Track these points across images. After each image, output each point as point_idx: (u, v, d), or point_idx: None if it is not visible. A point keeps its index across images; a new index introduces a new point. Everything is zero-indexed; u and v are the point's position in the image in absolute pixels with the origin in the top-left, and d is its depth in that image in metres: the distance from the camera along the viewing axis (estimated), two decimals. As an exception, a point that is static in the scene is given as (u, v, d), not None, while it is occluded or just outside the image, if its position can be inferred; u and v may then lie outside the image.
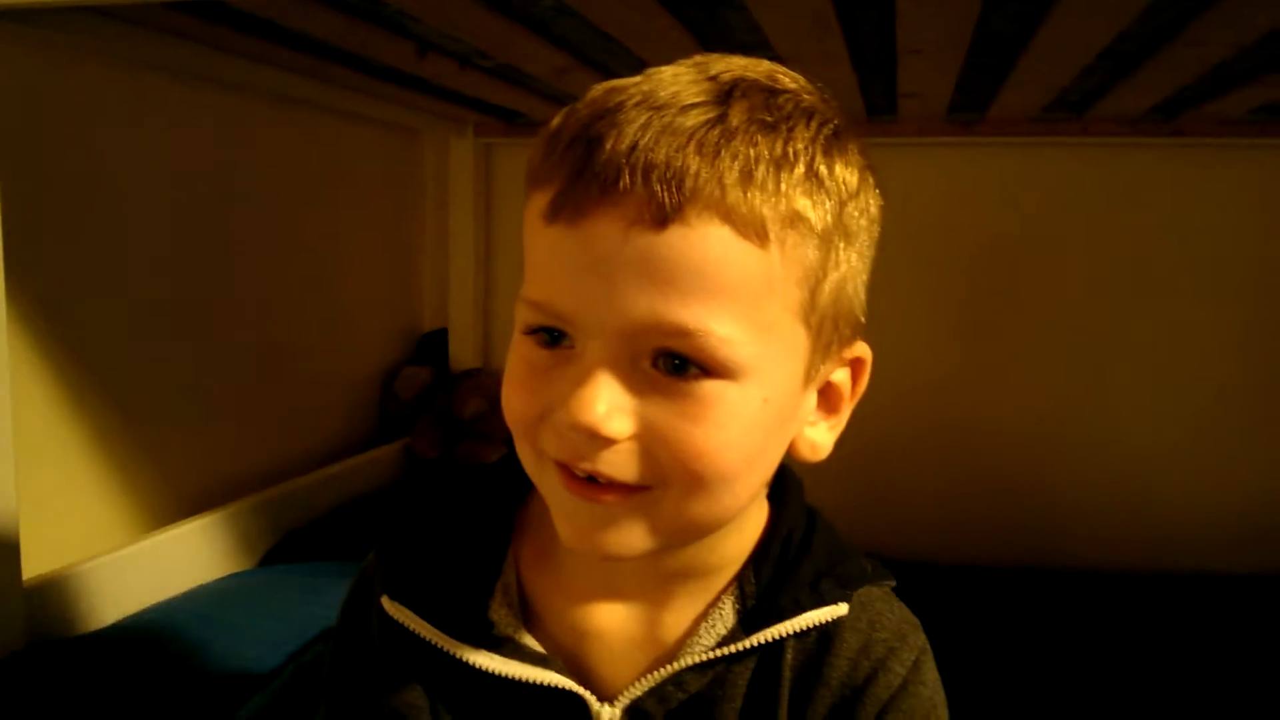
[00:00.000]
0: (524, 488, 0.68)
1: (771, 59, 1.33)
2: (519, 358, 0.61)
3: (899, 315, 1.99)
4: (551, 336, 0.59)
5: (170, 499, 1.47)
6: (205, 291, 1.54)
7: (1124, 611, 1.70)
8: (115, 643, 1.15)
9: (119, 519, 1.39)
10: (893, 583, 0.71)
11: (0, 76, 1.01)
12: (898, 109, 1.81)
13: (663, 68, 0.60)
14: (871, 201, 0.62)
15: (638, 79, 0.59)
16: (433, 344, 2.26)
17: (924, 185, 2.00)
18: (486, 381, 2.10)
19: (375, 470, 1.94)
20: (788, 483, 0.71)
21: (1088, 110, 1.77)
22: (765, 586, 0.67)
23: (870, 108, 1.80)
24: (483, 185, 2.22)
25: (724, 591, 0.67)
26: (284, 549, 1.56)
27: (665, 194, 0.53)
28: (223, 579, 1.41)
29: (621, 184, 0.54)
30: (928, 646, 0.69)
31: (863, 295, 0.63)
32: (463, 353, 2.24)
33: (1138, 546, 1.96)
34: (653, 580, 0.67)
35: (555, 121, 0.60)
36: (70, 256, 1.29)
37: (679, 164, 0.54)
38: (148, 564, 1.31)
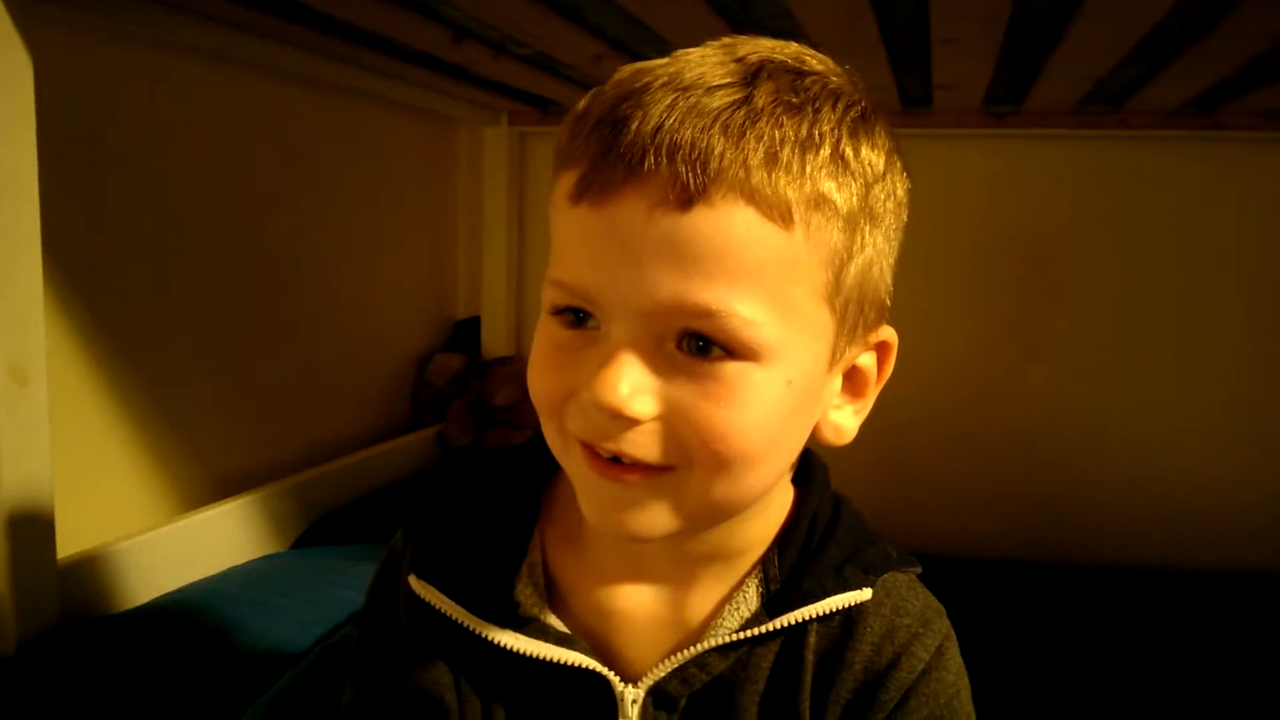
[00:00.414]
0: (550, 469, 0.69)
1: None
2: (545, 338, 0.62)
3: (931, 305, 1.99)
4: (577, 317, 0.59)
5: (204, 481, 1.49)
6: (242, 275, 1.55)
7: (1150, 608, 1.69)
8: (147, 622, 1.16)
9: (154, 500, 1.41)
10: (918, 569, 0.71)
11: (47, 64, 1.02)
12: (932, 100, 1.80)
13: (690, 50, 0.60)
14: (899, 184, 0.62)
15: (664, 60, 0.59)
16: (466, 331, 2.27)
17: (959, 177, 1.99)
18: (518, 369, 2.10)
19: (407, 456, 1.96)
20: (813, 467, 0.71)
21: (1125, 102, 1.75)
22: (789, 570, 0.67)
23: (905, 99, 1.80)
24: (516, 174, 2.23)
25: (748, 574, 0.67)
26: (316, 532, 1.57)
27: (690, 175, 0.54)
28: (255, 560, 1.42)
29: (647, 164, 0.54)
30: (952, 633, 0.68)
31: (889, 279, 0.63)
32: (495, 340, 2.25)
33: (1168, 544, 1.95)
34: (677, 562, 0.67)
35: (582, 103, 0.60)
36: (107, 239, 1.30)
37: (704, 145, 0.54)
38: (181, 545, 1.32)
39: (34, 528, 1.06)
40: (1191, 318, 1.95)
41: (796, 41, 1.28)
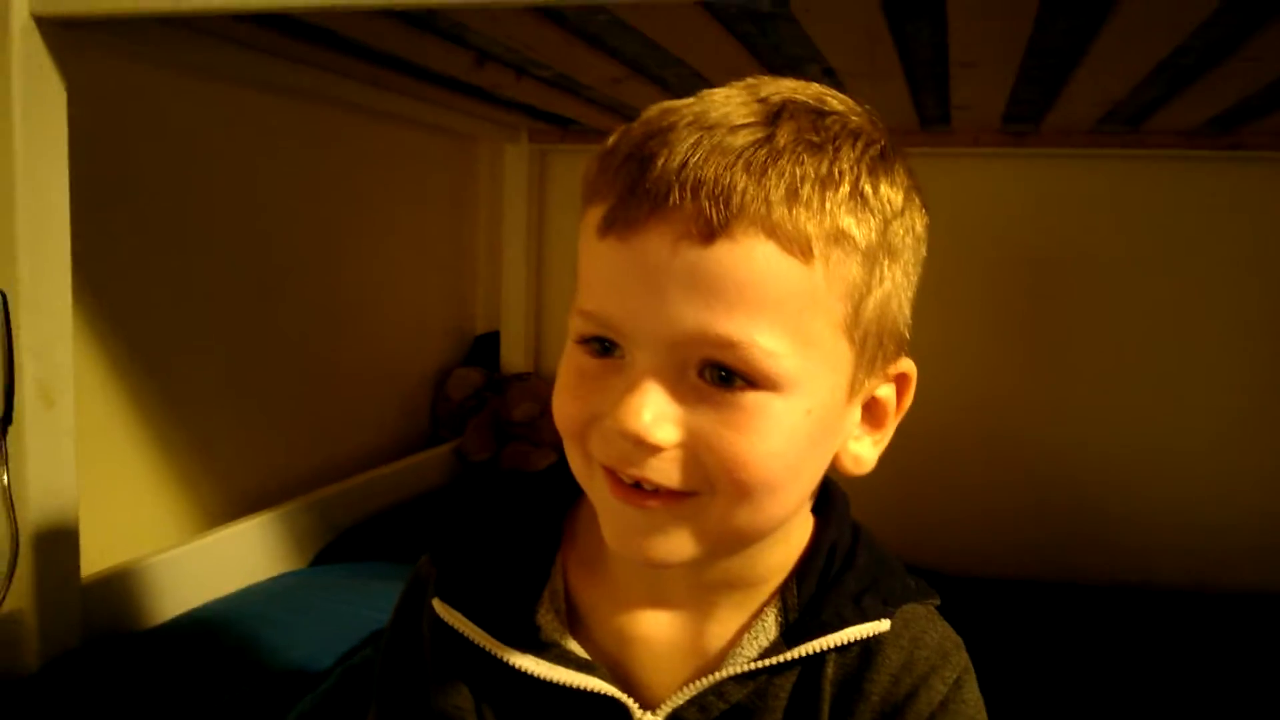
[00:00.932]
0: (573, 494, 0.70)
1: (824, 71, 1.34)
2: (571, 365, 0.63)
3: (950, 324, 1.98)
4: (603, 346, 0.60)
5: (227, 498, 1.50)
6: (264, 292, 1.57)
7: (1170, 628, 1.68)
8: (168, 641, 1.17)
9: (177, 517, 1.42)
10: (937, 601, 0.71)
11: (75, 84, 1.03)
12: (951, 120, 1.81)
13: (715, 89, 0.62)
14: (917, 220, 0.63)
15: (690, 100, 0.61)
16: (485, 347, 2.28)
17: (977, 195, 2.00)
18: (537, 385, 2.12)
19: (426, 472, 1.97)
20: (833, 496, 0.72)
21: (1144, 122, 1.75)
22: (808, 600, 0.67)
23: (924, 118, 1.80)
24: (536, 191, 2.24)
25: (767, 603, 0.68)
26: (336, 548, 1.58)
27: (713, 210, 0.55)
28: (276, 578, 1.43)
29: (672, 200, 0.56)
30: (970, 666, 0.69)
31: (907, 312, 0.64)
32: (514, 356, 2.26)
33: (1181, 562, 1.94)
34: (697, 589, 0.68)
35: (611, 140, 0.62)
36: (132, 258, 1.32)
37: (727, 181, 0.55)
38: (204, 562, 1.33)
39: (59, 545, 1.07)
40: (1208, 337, 1.94)
41: (815, 64, 1.29)
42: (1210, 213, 1.92)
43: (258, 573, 1.42)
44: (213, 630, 1.20)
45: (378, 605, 0.98)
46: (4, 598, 1.03)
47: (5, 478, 1.01)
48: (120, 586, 1.21)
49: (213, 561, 1.35)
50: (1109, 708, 1.42)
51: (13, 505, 1.02)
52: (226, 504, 1.50)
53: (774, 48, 1.27)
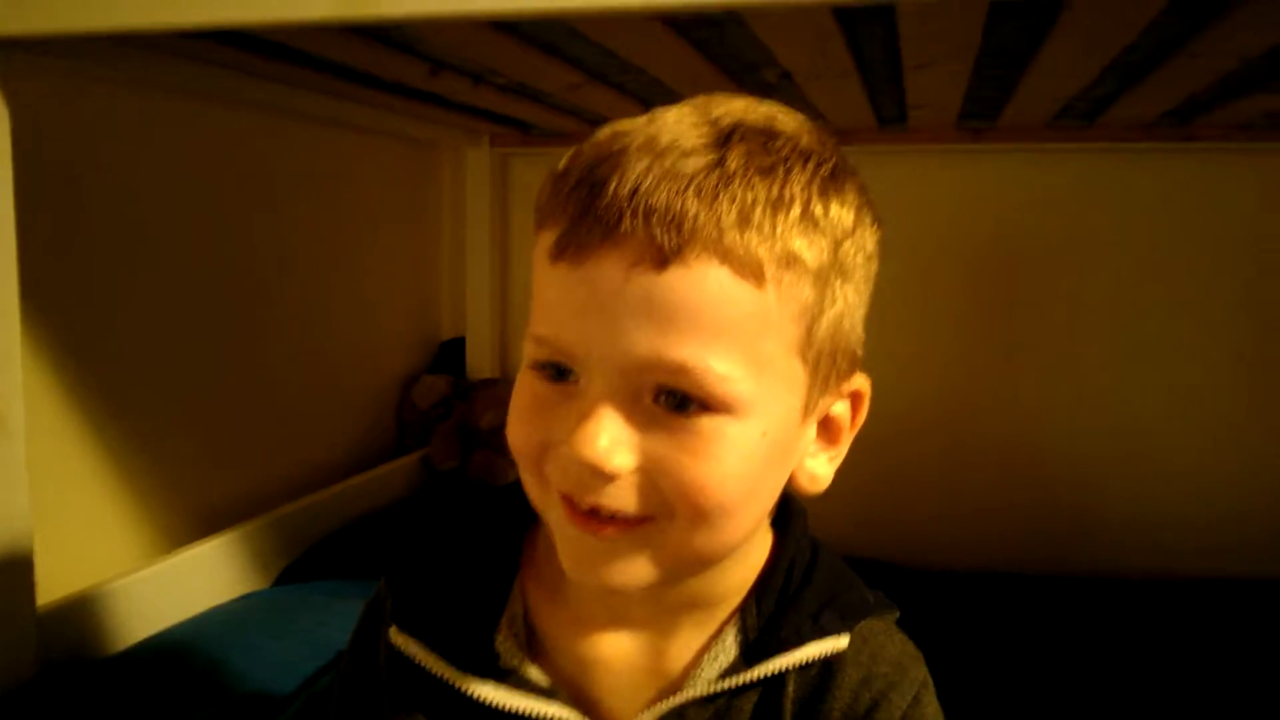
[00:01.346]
0: (531, 517, 0.69)
1: (780, 74, 1.34)
2: (526, 390, 0.63)
3: (913, 320, 2.00)
4: (557, 371, 0.60)
5: (188, 518, 1.48)
6: (223, 307, 1.56)
7: (1145, 618, 1.69)
8: (127, 668, 1.16)
9: (135, 540, 1.40)
10: (896, 614, 0.71)
11: (22, 102, 1.02)
12: (908, 119, 1.82)
13: (667, 109, 0.62)
14: (868, 238, 0.63)
15: (642, 121, 0.61)
16: (451, 353, 2.27)
17: (936, 192, 2.01)
18: (503, 392, 2.10)
19: (393, 482, 1.96)
20: (792, 512, 0.72)
21: (1099, 116, 1.76)
22: (767, 618, 0.67)
23: (881, 118, 1.80)
24: (499, 194, 2.24)
25: (727, 622, 0.68)
26: (302, 565, 1.57)
27: (665, 236, 0.55)
28: (238, 599, 1.41)
29: (623, 226, 0.56)
30: (929, 680, 0.69)
31: (860, 330, 0.64)
32: (480, 362, 2.26)
33: (1157, 552, 1.96)
34: (657, 610, 0.68)
35: (562, 163, 0.61)
36: (83, 275, 1.30)
37: (678, 207, 0.55)
38: (163, 585, 1.32)
39: (12, 575, 1.06)
40: (1169, 325, 1.96)
41: (772, 67, 1.29)
42: (1167, 203, 1.94)
43: (220, 594, 1.41)
44: (173, 656, 1.18)
45: (340, 625, 0.97)
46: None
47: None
48: (78, 614, 1.19)
49: (173, 584, 1.34)
50: (1084, 699, 1.43)
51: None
52: (188, 524, 1.48)
53: (730, 53, 1.27)
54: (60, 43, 1.07)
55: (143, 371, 1.41)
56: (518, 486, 0.68)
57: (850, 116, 1.78)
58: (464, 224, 2.24)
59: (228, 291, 1.57)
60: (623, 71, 1.39)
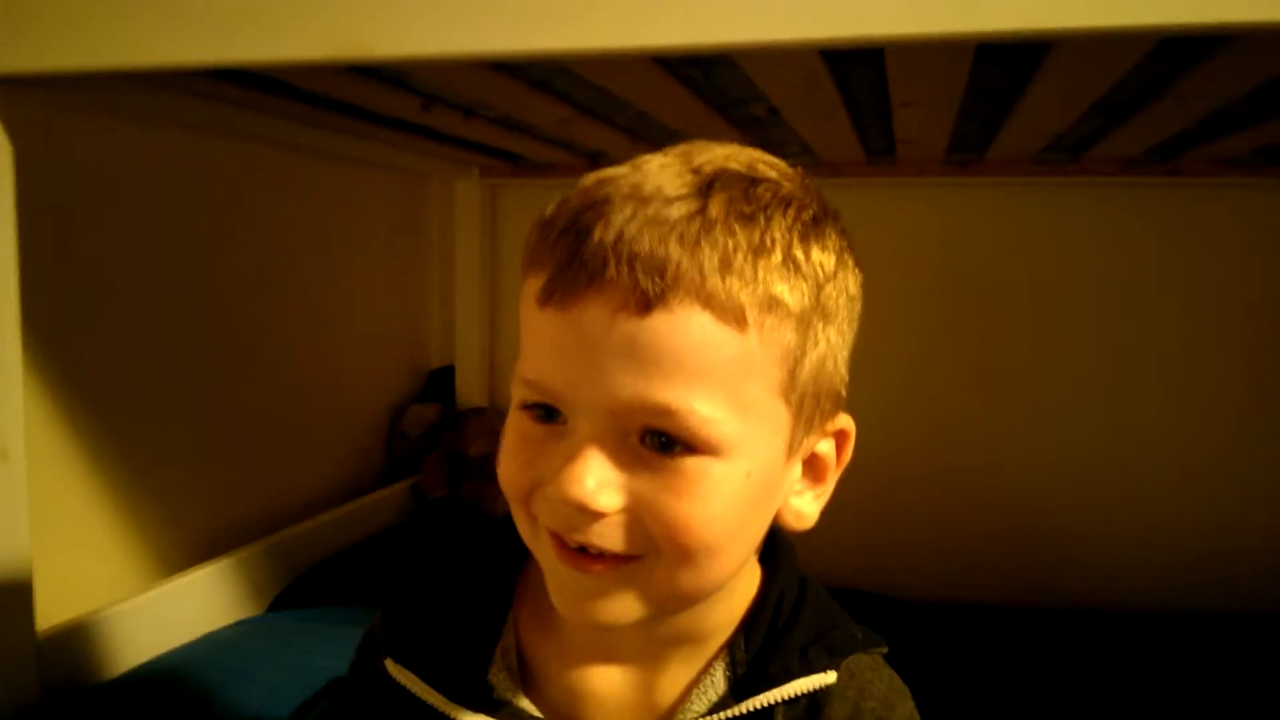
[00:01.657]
0: (524, 551, 0.70)
1: (768, 110, 1.35)
2: (515, 431, 0.64)
3: (898, 351, 2.01)
4: (545, 412, 0.61)
5: (182, 544, 1.49)
6: (218, 336, 1.57)
7: (1134, 652, 1.70)
8: (125, 693, 1.17)
9: (131, 567, 1.41)
10: (884, 649, 0.72)
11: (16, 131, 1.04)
12: (896, 152, 1.83)
13: (650, 157, 0.63)
14: (850, 281, 0.64)
15: (626, 169, 0.62)
16: (440, 381, 2.28)
17: (923, 224, 2.03)
18: (493, 420, 2.12)
19: (383, 510, 1.96)
20: (779, 548, 0.73)
21: (1085, 152, 1.78)
22: (755, 653, 0.68)
23: (869, 151, 1.82)
24: (489, 225, 2.25)
25: (715, 657, 0.69)
26: (293, 593, 1.58)
27: (649, 282, 0.56)
28: (230, 626, 1.42)
29: (609, 273, 0.57)
30: (916, 715, 0.70)
31: (844, 370, 0.66)
32: (469, 390, 2.26)
33: (1139, 585, 1.97)
34: (647, 645, 0.69)
35: (549, 210, 0.63)
36: (79, 305, 1.32)
37: (662, 254, 0.56)
38: (159, 612, 1.33)
39: (12, 601, 1.07)
40: (1154, 359, 1.98)
41: (760, 103, 1.31)
42: (1151, 237, 1.96)
43: (215, 621, 1.42)
44: (168, 682, 1.19)
45: (335, 652, 0.98)
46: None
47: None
48: (75, 640, 1.20)
49: (168, 611, 1.35)
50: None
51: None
52: (183, 551, 1.49)
53: (717, 90, 1.28)
54: (64, 80, 1.08)
55: (139, 401, 1.42)
56: (509, 520, 0.69)
57: (838, 150, 1.80)
58: (454, 254, 2.25)
59: (222, 320, 1.58)
60: (612, 106, 1.40)
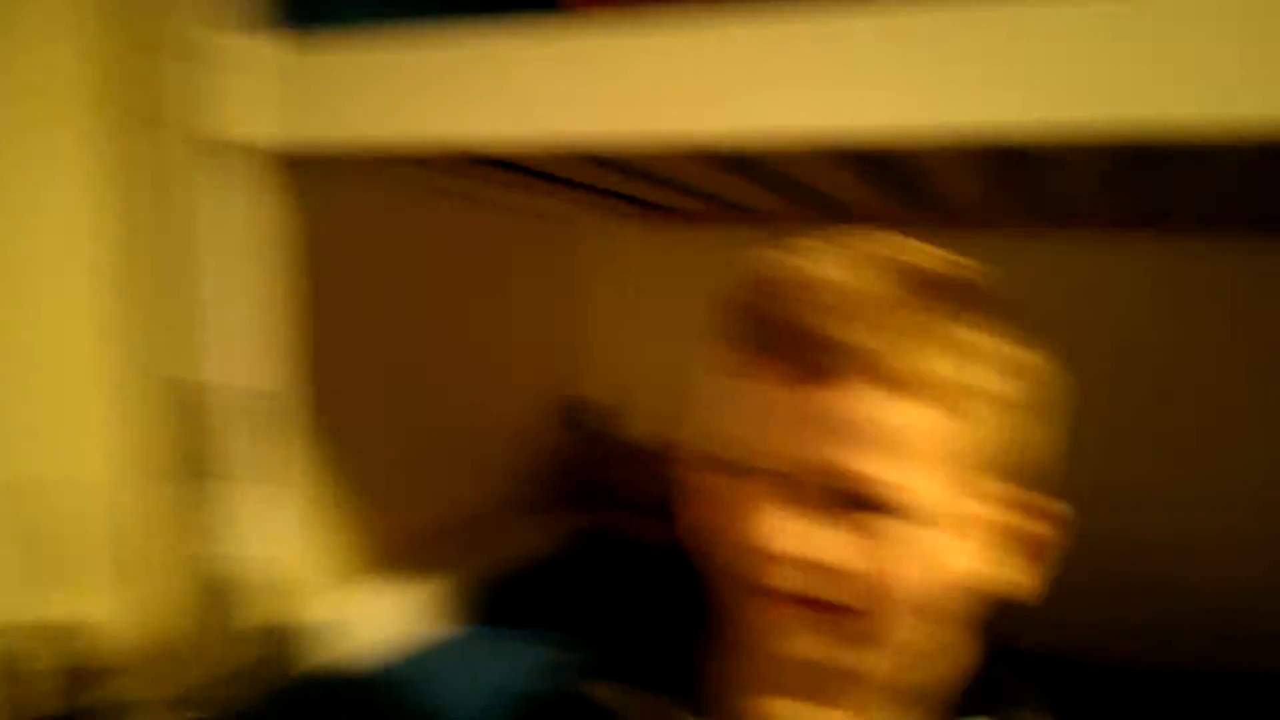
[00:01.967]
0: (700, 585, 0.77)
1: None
2: (703, 488, 0.72)
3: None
4: (733, 470, 0.69)
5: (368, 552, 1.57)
6: (410, 363, 1.69)
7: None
8: (341, 686, 1.28)
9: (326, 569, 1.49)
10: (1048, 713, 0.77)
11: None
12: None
13: (828, 247, 0.71)
14: (1026, 362, 0.70)
15: (807, 256, 0.70)
16: (587, 415, 2.35)
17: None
18: (644, 454, 2.19)
19: (538, 538, 2.02)
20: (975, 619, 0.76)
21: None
22: (951, 711, 0.75)
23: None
24: (634, 270, 2.34)
25: (910, 712, 0.74)
26: (466, 609, 1.64)
27: (828, 360, 0.64)
28: (413, 639, 1.50)
29: (791, 350, 0.65)
30: None
31: (1036, 453, 0.71)
32: (624, 425, 2.32)
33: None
34: (835, 690, 0.73)
35: (739, 289, 0.71)
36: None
37: (842, 336, 0.64)
38: (359, 615, 1.43)
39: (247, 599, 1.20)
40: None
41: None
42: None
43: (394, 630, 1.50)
44: (362, 685, 1.31)
45: (526, 672, 1.05)
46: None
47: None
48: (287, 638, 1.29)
49: (364, 615, 1.45)
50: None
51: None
52: (369, 557, 1.57)
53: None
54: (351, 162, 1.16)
55: (352, 433, 1.51)
56: (679, 549, 0.76)
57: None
58: (608, 297, 2.35)
59: (407, 354, 1.69)
60: (793, 188, 1.46)
